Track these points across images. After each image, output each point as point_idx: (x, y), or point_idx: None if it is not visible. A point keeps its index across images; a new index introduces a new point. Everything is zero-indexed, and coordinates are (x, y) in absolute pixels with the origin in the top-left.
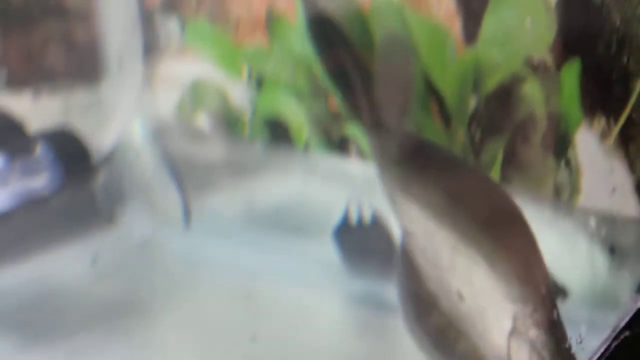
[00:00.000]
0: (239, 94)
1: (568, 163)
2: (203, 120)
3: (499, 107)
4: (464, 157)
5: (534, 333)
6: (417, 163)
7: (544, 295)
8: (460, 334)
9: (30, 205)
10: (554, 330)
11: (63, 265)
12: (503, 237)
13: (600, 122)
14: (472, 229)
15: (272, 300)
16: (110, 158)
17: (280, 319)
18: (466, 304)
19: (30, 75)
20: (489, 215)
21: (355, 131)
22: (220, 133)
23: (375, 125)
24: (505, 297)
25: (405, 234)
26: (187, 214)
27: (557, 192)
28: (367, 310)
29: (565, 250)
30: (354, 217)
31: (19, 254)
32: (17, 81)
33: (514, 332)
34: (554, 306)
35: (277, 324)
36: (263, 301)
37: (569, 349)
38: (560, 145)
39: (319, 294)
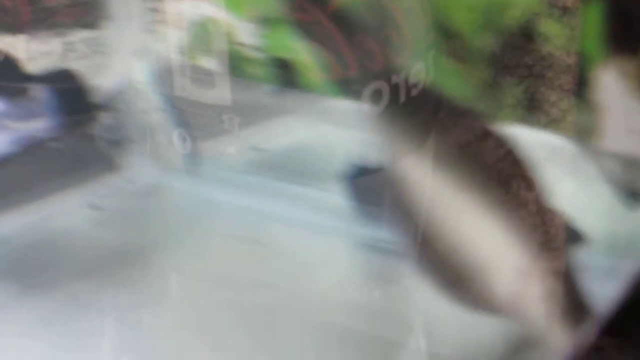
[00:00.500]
0: (245, 34)
1: (589, 103)
2: (208, 62)
3: (519, 46)
4: (471, 105)
5: (545, 280)
6: (424, 113)
7: (556, 242)
8: (473, 278)
9: (30, 149)
10: (566, 277)
11: (64, 211)
12: (512, 186)
13: (623, 62)
14: (482, 179)
15: (280, 246)
16: (112, 101)
17: (288, 268)
18: (476, 252)
19: (31, 16)
20: (497, 165)
21: None
22: (226, 75)
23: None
24: (510, 249)
25: (410, 183)
26: (191, 158)
27: (578, 133)
28: (377, 256)
29: (585, 194)
30: (365, 162)
31: (19, 199)
32: (17, 23)
33: (524, 279)
34: (566, 253)
35: (285, 274)
36: (270, 248)
37: (583, 295)
38: (581, 85)
39: (328, 240)
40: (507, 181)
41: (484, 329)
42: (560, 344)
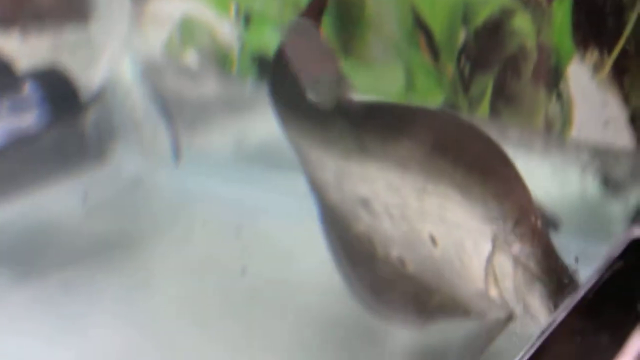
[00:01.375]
0: (227, 30)
1: (560, 96)
2: (192, 58)
3: (489, 40)
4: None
5: (516, 247)
6: (369, 122)
7: (524, 207)
8: (432, 292)
9: (18, 143)
10: (540, 240)
11: (53, 203)
12: (473, 162)
13: (593, 54)
14: (441, 164)
15: (262, 235)
16: (99, 96)
17: (270, 253)
18: (439, 248)
19: (19, 13)
20: (456, 147)
21: (346, 67)
22: (209, 70)
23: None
24: (483, 220)
25: (363, 203)
26: (177, 151)
27: (549, 125)
28: None
29: (557, 183)
30: None
31: (8, 192)
32: (5, 20)
33: (494, 252)
34: (537, 217)
35: (267, 259)
36: (253, 236)
37: (559, 258)
38: (552, 78)
39: (309, 230)
40: (468, 158)
41: None
42: (540, 320)
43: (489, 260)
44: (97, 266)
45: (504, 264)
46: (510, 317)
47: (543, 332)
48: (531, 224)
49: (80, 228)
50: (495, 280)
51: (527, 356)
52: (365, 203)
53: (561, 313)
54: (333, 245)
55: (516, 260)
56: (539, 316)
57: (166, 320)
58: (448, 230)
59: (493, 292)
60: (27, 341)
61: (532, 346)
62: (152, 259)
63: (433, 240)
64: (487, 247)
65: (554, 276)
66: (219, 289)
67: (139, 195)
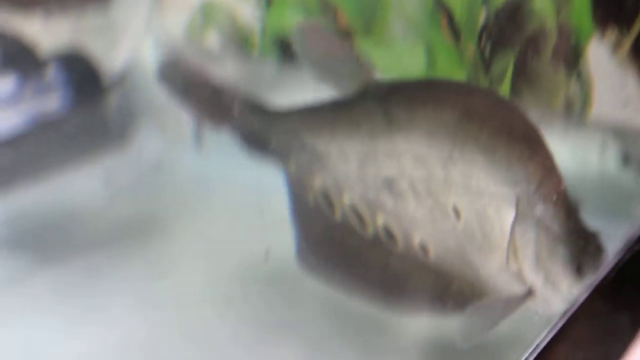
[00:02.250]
0: (248, 12)
1: (579, 75)
2: (213, 40)
3: (509, 20)
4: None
5: (540, 209)
6: (395, 97)
7: (548, 169)
8: (451, 277)
9: (42, 127)
10: (563, 202)
11: (76, 187)
12: (498, 125)
13: (612, 33)
14: (466, 128)
15: (285, 216)
16: (122, 79)
17: (292, 234)
18: (462, 220)
19: None
20: (481, 111)
21: (365, 46)
22: (230, 52)
23: None
24: (506, 183)
25: (387, 185)
26: (198, 134)
27: (569, 105)
28: None
29: (577, 163)
30: None
31: (32, 176)
32: (28, 3)
33: (518, 217)
34: (560, 180)
35: (290, 240)
36: (275, 218)
37: (582, 222)
38: (572, 58)
39: None
40: (493, 123)
41: None
42: (561, 289)
43: (512, 227)
44: (119, 250)
45: (526, 231)
46: (529, 293)
47: (565, 314)
48: (554, 185)
49: (102, 211)
50: (516, 251)
51: (550, 337)
52: (390, 184)
53: (582, 295)
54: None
55: (539, 224)
56: (560, 283)
57: (190, 304)
58: (471, 199)
59: (513, 265)
60: (50, 324)
61: (554, 326)
62: (174, 242)
63: (457, 213)
64: (510, 213)
65: (577, 238)
66: (243, 271)
67: (161, 178)
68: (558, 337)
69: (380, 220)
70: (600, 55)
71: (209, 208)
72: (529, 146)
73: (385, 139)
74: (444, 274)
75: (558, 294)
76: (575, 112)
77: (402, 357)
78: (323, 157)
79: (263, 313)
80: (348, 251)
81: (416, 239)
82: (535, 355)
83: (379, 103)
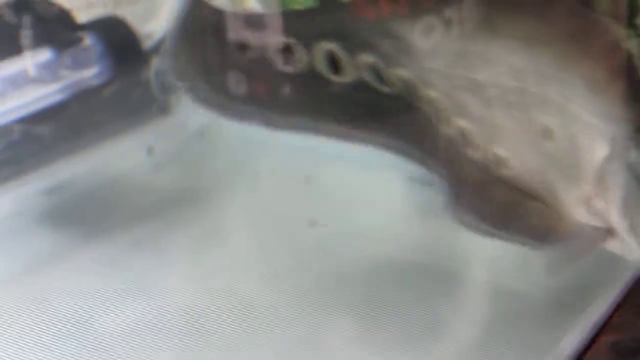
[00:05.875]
0: None
1: (637, 30)
2: (254, 3)
3: None
4: None
5: (634, 154)
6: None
7: None
8: (530, 198)
9: (82, 96)
10: None
11: (119, 157)
12: (603, 58)
13: None
14: (570, 52)
15: (332, 183)
16: (161, 46)
17: (339, 201)
18: (554, 140)
19: None
20: (586, 38)
21: None
22: (275, 15)
23: None
24: (604, 117)
25: (476, 89)
26: (242, 100)
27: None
28: (425, 190)
29: None
30: None
31: (74, 147)
32: None
33: (611, 156)
34: None
35: (336, 207)
36: (322, 184)
37: None
38: (628, 11)
39: (379, 176)
40: (596, 50)
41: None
42: None
43: (604, 164)
44: (164, 222)
45: (618, 173)
46: (611, 233)
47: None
48: None
49: (146, 182)
50: (605, 188)
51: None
52: (479, 89)
53: None
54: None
55: (631, 170)
56: None
57: (236, 276)
58: (566, 123)
59: (599, 202)
60: (97, 297)
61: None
62: (220, 212)
63: (548, 133)
64: (604, 148)
65: None
66: (289, 240)
67: (205, 146)
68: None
69: (462, 124)
70: None
71: (254, 176)
72: (631, 86)
73: (483, 43)
74: (522, 191)
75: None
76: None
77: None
78: (412, 48)
79: (308, 284)
80: (425, 136)
81: (498, 150)
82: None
83: (484, 3)
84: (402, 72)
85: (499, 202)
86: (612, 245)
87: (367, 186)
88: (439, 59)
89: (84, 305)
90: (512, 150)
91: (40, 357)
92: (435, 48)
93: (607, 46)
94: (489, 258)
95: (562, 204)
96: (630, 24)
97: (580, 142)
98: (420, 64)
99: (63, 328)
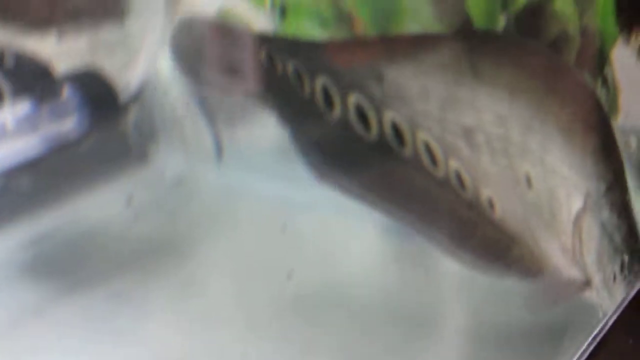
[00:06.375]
0: (263, 22)
1: (605, 81)
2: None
3: (530, 25)
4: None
5: (606, 214)
6: (484, 49)
7: (618, 176)
8: (514, 240)
9: (60, 149)
10: (627, 215)
11: (98, 208)
12: (579, 111)
13: (638, 38)
14: (549, 103)
15: (308, 232)
16: (139, 96)
17: (316, 250)
18: (533, 190)
19: (54, 16)
20: (564, 90)
21: None
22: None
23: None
24: (579, 173)
25: (465, 134)
26: (219, 147)
27: None
28: (402, 238)
29: None
30: None
31: (52, 199)
32: (41, 21)
33: (585, 211)
34: (626, 190)
35: (313, 255)
36: (298, 233)
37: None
38: (597, 62)
39: (354, 225)
40: (574, 106)
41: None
42: (615, 296)
43: (578, 217)
44: (144, 273)
45: (592, 228)
46: (587, 283)
47: (604, 326)
48: (622, 195)
49: (125, 232)
50: (581, 241)
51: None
52: (468, 134)
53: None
54: (408, 195)
55: (604, 227)
56: (615, 292)
57: (214, 326)
58: (545, 173)
59: (576, 253)
60: (80, 351)
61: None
62: (199, 262)
63: (529, 181)
64: (578, 202)
65: (635, 258)
66: (268, 291)
67: (183, 195)
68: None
69: (453, 165)
70: (625, 60)
71: (232, 225)
72: (604, 144)
73: (469, 89)
74: (507, 234)
75: (612, 298)
76: None
77: None
78: (402, 90)
79: (285, 331)
80: (416, 187)
81: (485, 193)
82: None
83: (468, 50)
84: (391, 115)
85: (488, 240)
86: (588, 295)
87: (342, 235)
88: (429, 102)
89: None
90: (497, 194)
91: None
92: (424, 91)
93: (584, 101)
94: (466, 306)
95: (544, 251)
96: (598, 74)
97: (557, 194)
98: (412, 107)
99: None
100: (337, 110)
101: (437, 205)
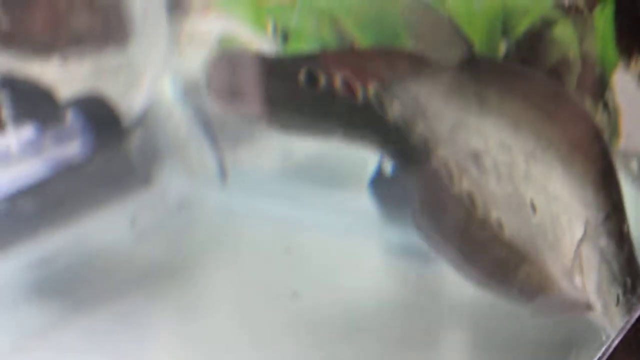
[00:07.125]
0: (265, 47)
1: (606, 106)
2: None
3: (530, 51)
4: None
5: (604, 242)
6: (489, 79)
7: (616, 206)
8: (522, 260)
9: (64, 173)
10: (624, 243)
11: (102, 230)
12: (579, 142)
13: (638, 62)
14: (550, 133)
15: (311, 252)
16: (142, 119)
17: (319, 271)
18: (538, 215)
19: (57, 41)
20: (565, 120)
21: None
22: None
23: None
24: (579, 202)
25: (474, 157)
26: (222, 170)
27: None
28: (406, 259)
29: None
30: (388, 167)
31: (57, 222)
32: (45, 47)
33: (585, 238)
34: (624, 219)
35: (317, 277)
36: (302, 254)
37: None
38: (597, 88)
39: (357, 245)
40: (574, 136)
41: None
42: (615, 323)
43: (579, 245)
44: (147, 294)
45: (591, 255)
46: (589, 307)
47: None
48: (620, 224)
49: (129, 254)
50: (581, 267)
51: None
52: (476, 157)
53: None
54: (428, 206)
55: (603, 255)
56: (614, 318)
57: (221, 348)
58: (548, 200)
59: (577, 278)
60: None
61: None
62: (203, 284)
63: (533, 207)
64: (579, 229)
65: (635, 285)
66: (272, 313)
67: (187, 216)
68: None
69: (466, 183)
70: (626, 85)
71: (236, 247)
72: (603, 175)
73: (476, 116)
74: (515, 254)
75: (613, 323)
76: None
77: None
78: (424, 108)
79: (293, 356)
80: (437, 200)
81: (494, 214)
82: None
83: (473, 81)
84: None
85: (497, 259)
86: (592, 317)
87: (347, 256)
88: (443, 123)
89: None
90: (505, 216)
91: None
92: (439, 112)
93: (584, 131)
94: (471, 328)
95: (549, 273)
96: (599, 99)
97: (560, 220)
98: (430, 125)
99: None
100: None
101: (452, 220)
